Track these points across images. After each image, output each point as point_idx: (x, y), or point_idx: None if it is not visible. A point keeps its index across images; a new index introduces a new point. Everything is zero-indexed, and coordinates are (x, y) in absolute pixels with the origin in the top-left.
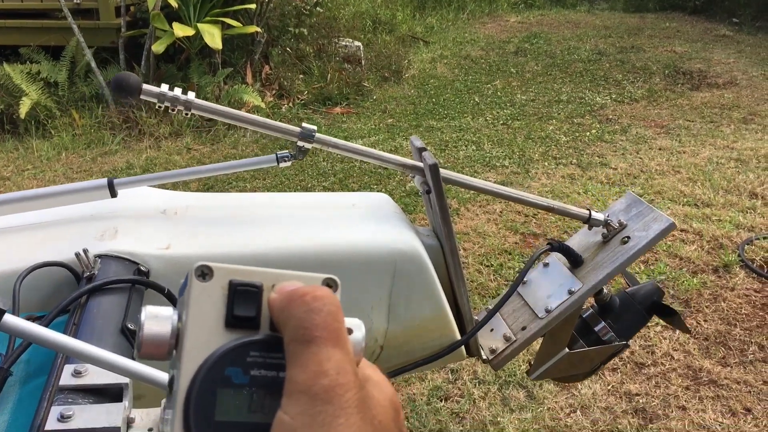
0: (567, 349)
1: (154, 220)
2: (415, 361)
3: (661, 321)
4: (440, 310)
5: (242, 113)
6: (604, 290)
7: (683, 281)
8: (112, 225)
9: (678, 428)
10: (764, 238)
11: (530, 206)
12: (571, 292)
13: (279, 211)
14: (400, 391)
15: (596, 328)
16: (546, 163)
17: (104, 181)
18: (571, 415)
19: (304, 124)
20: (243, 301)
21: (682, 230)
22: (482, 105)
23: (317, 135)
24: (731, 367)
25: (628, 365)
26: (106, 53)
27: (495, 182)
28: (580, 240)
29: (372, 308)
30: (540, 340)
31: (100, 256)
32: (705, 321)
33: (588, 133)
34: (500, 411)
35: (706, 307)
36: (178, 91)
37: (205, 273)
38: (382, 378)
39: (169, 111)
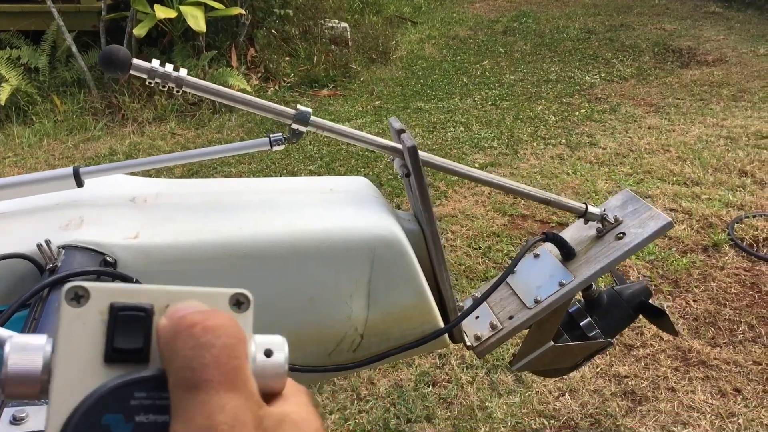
0: (552, 342)
1: (122, 208)
2: (397, 347)
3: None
4: (421, 297)
5: (235, 92)
6: (593, 286)
7: (672, 261)
8: (78, 214)
9: (667, 410)
10: (754, 216)
11: (525, 198)
12: (562, 284)
13: (254, 196)
14: (387, 377)
15: (582, 324)
16: (535, 144)
17: (69, 170)
18: (560, 398)
19: (299, 106)
20: (127, 329)
21: (671, 209)
22: (470, 86)
23: (312, 118)
24: (721, 347)
25: (617, 347)
26: (88, 37)
27: (484, 168)
28: (573, 233)
29: (351, 296)
30: (525, 331)
31: (63, 246)
32: (694, 301)
33: (577, 113)
34: (488, 396)
35: (696, 287)
36: (169, 68)
37: (79, 295)
38: (305, 412)
39: (160, 88)
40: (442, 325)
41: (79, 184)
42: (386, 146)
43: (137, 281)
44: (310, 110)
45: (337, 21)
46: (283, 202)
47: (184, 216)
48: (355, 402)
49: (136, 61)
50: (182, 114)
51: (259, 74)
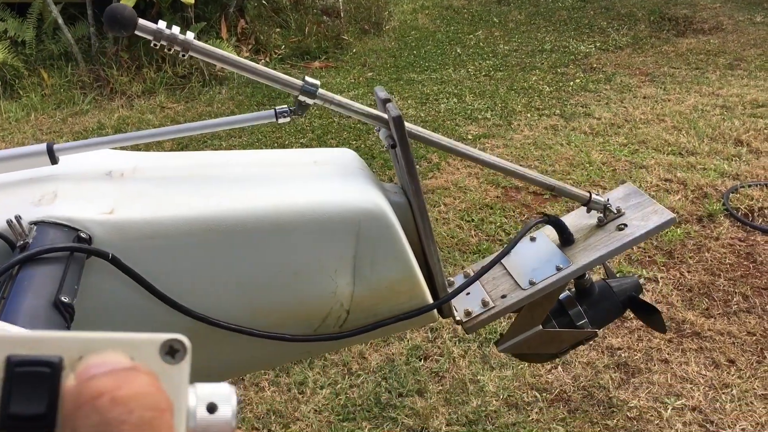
0: (541, 326)
1: (97, 182)
2: (383, 320)
3: (644, 274)
4: (409, 271)
5: (243, 60)
6: (587, 275)
7: (667, 232)
8: (51, 189)
9: (660, 382)
10: (749, 186)
11: (529, 183)
12: (559, 269)
13: (235, 170)
14: (379, 351)
15: (571, 312)
16: (529, 115)
17: (43, 146)
18: (552, 371)
19: (307, 78)
20: (27, 389)
21: (666, 180)
22: (464, 56)
23: (320, 91)
24: (715, 318)
25: None
26: (74, 9)
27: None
28: (573, 220)
29: (336, 271)
30: (512, 314)
31: (35, 222)
32: (688, 272)
33: (572, 83)
34: (480, 369)
35: (690, 257)
36: (175, 30)
37: None
38: None
39: (165, 50)
40: (430, 300)
41: (53, 161)
42: (370, 114)
43: (113, 257)
44: (318, 83)
45: None
46: (265, 175)
47: (162, 190)
48: (346, 377)
49: (141, 21)
50: (172, 87)
51: (250, 46)
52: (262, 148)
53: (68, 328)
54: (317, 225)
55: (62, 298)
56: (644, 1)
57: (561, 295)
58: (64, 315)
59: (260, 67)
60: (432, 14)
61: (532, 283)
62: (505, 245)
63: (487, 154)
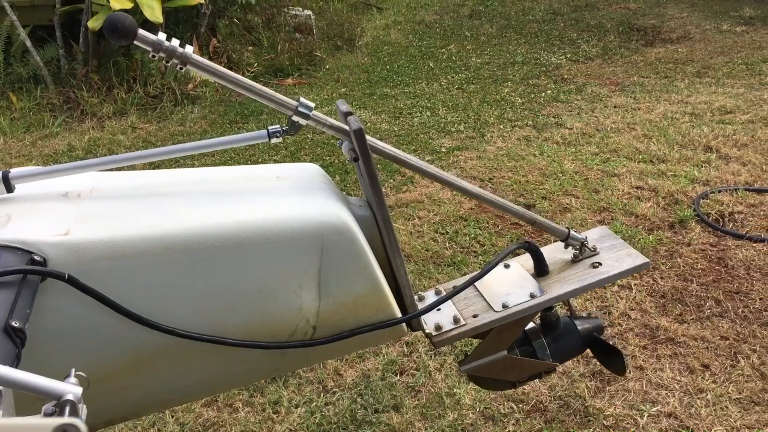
0: (506, 352)
1: (53, 203)
2: (350, 330)
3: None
4: (375, 285)
5: (240, 77)
6: (554, 309)
7: (639, 239)
8: (5, 212)
9: (636, 389)
10: (719, 191)
11: (509, 214)
12: (533, 296)
13: (197, 187)
14: (354, 367)
15: (534, 343)
16: (501, 126)
17: None
18: (528, 382)
19: (302, 99)
20: None
21: (637, 187)
22: (437, 70)
23: (314, 113)
24: (688, 323)
25: None
26: (43, 32)
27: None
28: (548, 253)
29: (301, 287)
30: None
31: None
32: (661, 278)
33: (543, 94)
34: (456, 382)
35: (663, 263)
36: (175, 43)
37: None
38: None
39: (163, 63)
40: (398, 313)
41: (9, 189)
42: (333, 126)
43: (70, 276)
44: (312, 104)
45: (300, 8)
46: (227, 191)
47: (119, 210)
48: (322, 394)
49: (141, 32)
50: (143, 107)
51: (222, 65)
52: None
53: (19, 353)
54: (280, 241)
55: (13, 323)
56: (613, 13)
57: (527, 326)
58: (14, 340)
59: (256, 85)
60: (404, 29)
61: (505, 307)
62: (479, 262)
63: (458, 178)
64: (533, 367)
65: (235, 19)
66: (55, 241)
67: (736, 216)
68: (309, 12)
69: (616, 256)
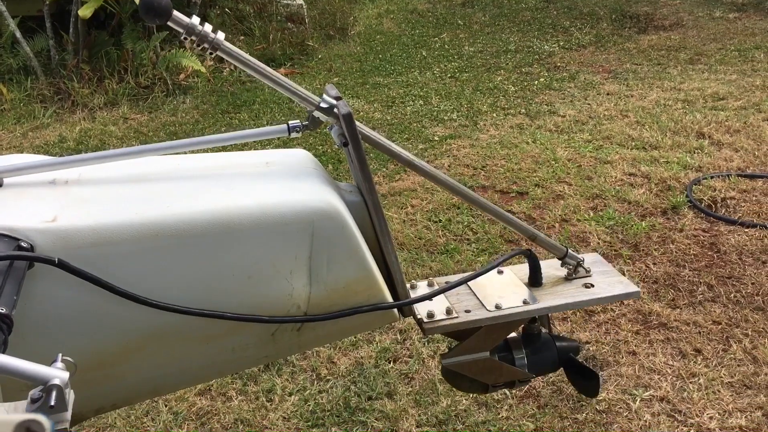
0: (488, 353)
1: (40, 190)
2: (346, 309)
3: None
4: (366, 271)
5: (268, 69)
6: (537, 322)
7: (632, 225)
8: None
9: (628, 374)
10: (711, 177)
11: (511, 227)
12: (526, 303)
13: (185, 173)
14: (347, 355)
15: (514, 351)
16: (494, 114)
17: None
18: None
19: (325, 96)
20: None
21: (630, 174)
22: (429, 59)
23: (339, 107)
24: (681, 308)
25: (578, 314)
26: (32, 22)
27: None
28: (543, 267)
29: (291, 273)
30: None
31: None
32: (654, 264)
33: (536, 82)
34: None
35: (655, 249)
36: (208, 28)
37: None
38: None
39: (193, 47)
40: (389, 298)
41: None
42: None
43: (60, 260)
44: (335, 102)
45: None
46: (216, 177)
47: (107, 196)
48: (315, 382)
49: (176, 13)
50: (134, 98)
51: (214, 55)
52: None
53: (5, 339)
54: (269, 226)
55: (0, 310)
56: (606, 0)
57: (512, 332)
58: (1, 326)
59: (283, 78)
60: (397, 18)
61: (498, 307)
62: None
63: (449, 177)
64: (511, 373)
65: (226, 9)
66: (43, 228)
67: (728, 202)
68: (301, 1)
69: (608, 282)
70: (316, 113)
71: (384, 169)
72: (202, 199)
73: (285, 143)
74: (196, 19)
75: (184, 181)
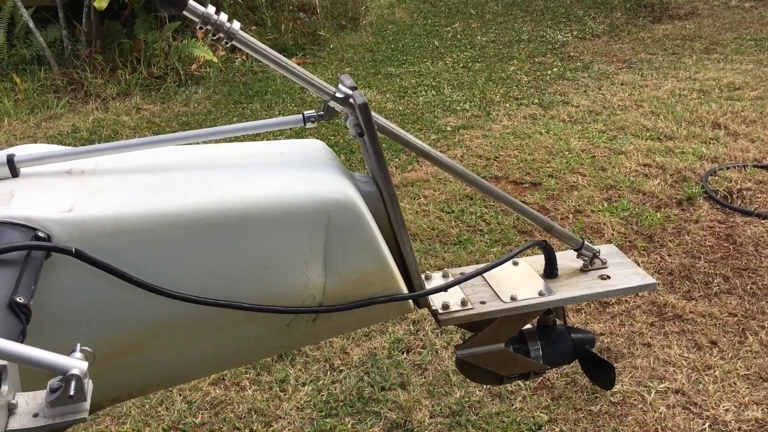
0: (503, 345)
1: (57, 180)
2: (361, 300)
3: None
4: (381, 261)
5: (284, 59)
6: (552, 314)
7: (647, 216)
8: (8, 188)
9: (643, 366)
10: (727, 168)
11: (526, 218)
12: (541, 294)
13: (201, 163)
14: (360, 345)
15: (529, 343)
16: (507, 105)
17: (2, 158)
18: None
19: (340, 86)
20: None
21: (645, 165)
22: (442, 49)
23: (355, 97)
24: (696, 300)
25: (592, 305)
26: (46, 12)
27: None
28: (558, 259)
29: (306, 263)
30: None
31: None
32: (669, 255)
33: (549, 72)
34: None
35: (670, 241)
36: (223, 17)
37: None
38: None
39: (210, 37)
40: (405, 289)
41: (14, 173)
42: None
43: (77, 250)
44: (350, 92)
45: None
46: (231, 168)
47: (123, 187)
48: (329, 372)
49: (192, 2)
50: (147, 88)
51: (226, 45)
52: None
53: (24, 328)
54: (285, 217)
55: (17, 299)
56: None
57: (527, 324)
58: (19, 316)
59: (298, 68)
60: (409, 8)
61: (513, 299)
62: (496, 258)
63: (461, 166)
64: (526, 365)
65: None
66: (59, 218)
67: (744, 193)
68: None
69: (625, 273)
70: (332, 103)
71: (396, 160)
72: (218, 190)
73: (298, 134)
74: (211, 8)
75: (200, 172)
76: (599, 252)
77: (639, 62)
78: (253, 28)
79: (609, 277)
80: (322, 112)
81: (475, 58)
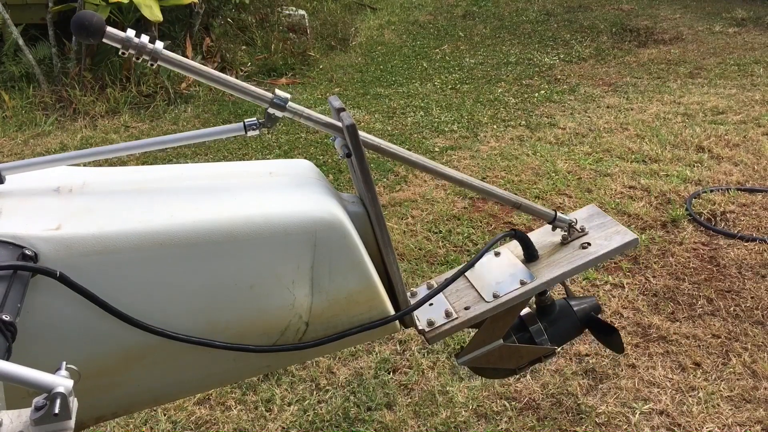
0: (501, 341)
1: (44, 198)
2: (345, 330)
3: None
4: (368, 281)
5: (213, 71)
6: (548, 292)
7: None
8: None
9: (628, 387)
10: (711, 191)
11: (494, 199)
12: (523, 283)
13: (189, 183)
14: (347, 365)
15: (531, 328)
16: (495, 126)
17: None
18: (521, 380)
19: (277, 91)
20: None
21: (630, 187)
22: (430, 70)
23: (290, 104)
24: (680, 322)
25: None
26: (35, 30)
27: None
28: (537, 237)
29: (293, 283)
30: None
31: None
32: (653, 277)
33: (537, 94)
34: (449, 380)
35: (655, 263)
36: (145, 39)
37: None
38: None
39: (133, 60)
40: (391, 309)
41: None
42: (326, 123)
43: (62, 274)
44: (288, 96)
45: (294, 8)
46: (219, 187)
47: (111, 205)
48: (315, 392)
49: (110, 29)
50: (136, 106)
51: (216, 64)
52: None
53: (9, 346)
54: (272, 236)
55: (3, 317)
56: (606, 14)
57: (522, 312)
58: (5, 333)
59: (230, 78)
60: (398, 29)
61: (495, 296)
62: (471, 258)
63: (449, 168)
64: (531, 353)
65: (228, 19)
66: (47, 236)
67: (727, 215)
68: (303, 12)
69: (605, 235)
70: (270, 110)
71: (385, 180)
72: (205, 209)
73: (286, 153)
74: (131, 32)
75: (188, 191)
76: (575, 222)
77: (624, 86)
78: (244, 47)
79: (589, 245)
80: (263, 120)
81: (464, 79)
